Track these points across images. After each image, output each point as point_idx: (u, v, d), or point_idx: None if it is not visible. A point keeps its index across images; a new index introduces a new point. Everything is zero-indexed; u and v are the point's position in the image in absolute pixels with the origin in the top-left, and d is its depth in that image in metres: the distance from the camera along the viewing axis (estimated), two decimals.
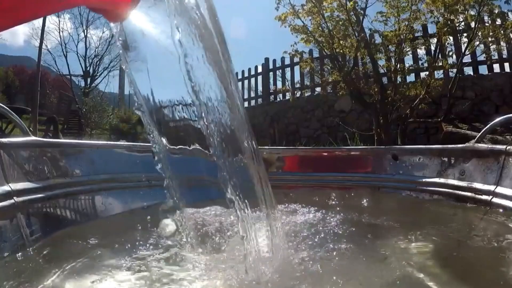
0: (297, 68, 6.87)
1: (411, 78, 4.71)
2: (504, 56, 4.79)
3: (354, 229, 1.15)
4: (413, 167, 1.69)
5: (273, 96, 7.54)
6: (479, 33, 3.96)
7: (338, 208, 1.45)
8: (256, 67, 7.97)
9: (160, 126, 1.00)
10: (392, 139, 3.90)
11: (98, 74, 19.96)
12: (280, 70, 7.68)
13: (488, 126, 1.46)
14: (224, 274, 0.81)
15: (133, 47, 0.85)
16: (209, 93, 0.77)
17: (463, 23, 4.41)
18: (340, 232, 1.10)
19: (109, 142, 2.31)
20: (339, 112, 5.86)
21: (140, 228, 1.16)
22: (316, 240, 1.03)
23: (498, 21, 4.07)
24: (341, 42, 3.93)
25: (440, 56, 4.19)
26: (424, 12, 3.83)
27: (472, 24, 4.01)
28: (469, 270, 0.88)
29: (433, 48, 4.42)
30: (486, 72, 4.91)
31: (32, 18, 0.58)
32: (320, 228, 1.15)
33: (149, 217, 1.17)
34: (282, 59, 7.37)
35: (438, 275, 0.83)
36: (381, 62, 4.17)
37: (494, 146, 1.43)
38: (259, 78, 7.91)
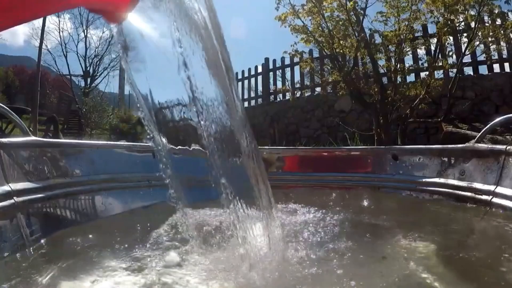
0: (297, 68, 6.87)
1: (411, 78, 4.71)
2: (504, 56, 4.79)
3: (354, 229, 1.15)
4: (413, 167, 1.69)
5: (273, 96, 7.54)
6: (479, 33, 3.96)
7: (338, 208, 1.45)
8: (256, 67, 7.97)
9: (160, 126, 1.00)
10: (392, 139, 3.90)
11: (98, 74, 19.97)
12: (280, 70, 7.67)
13: (488, 126, 1.46)
14: (223, 274, 0.81)
15: (132, 48, 0.85)
16: (206, 93, 0.77)
17: (463, 23, 4.41)
18: (340, 232, 1.11)
19: (109, 142, 2.31)
20: (339, 112, 5.86)
21: (140, 228, 1.16)
22: (316, 240, 1.04)
23: (498, 21, 4.07)
24: (341, 42, 3.93)
25: (440, 56, 4.19)
26: (424, 12, 3.83)
27: (472, 24, 4.00)
28: (469, 270, 0.88)
29: (433, 48, 4.42)
30: (486, 72, 4.90)
31: (32, 18, 0.59)
32: (320, 228, 1.15)
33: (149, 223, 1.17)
34: (282, 59, 7.37)
35: (438, 275, 0.83)
36: (381, 62, 4.17)
37: (494, 146, 1.43)
38: (259, 78, 7.91)
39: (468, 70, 4.98)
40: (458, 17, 4.07)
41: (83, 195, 1.32)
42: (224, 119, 0.82)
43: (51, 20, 17.13)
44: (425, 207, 1.54)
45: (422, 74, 4.55)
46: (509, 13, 4.02)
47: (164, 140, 1.01)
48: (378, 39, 4.21)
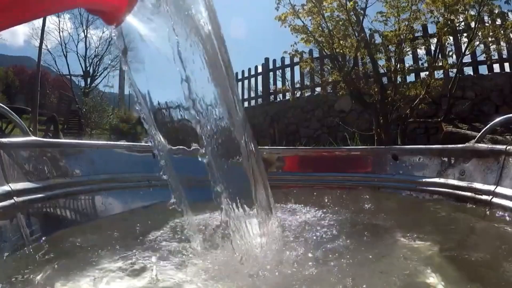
0: (297, 68, 6.87)
1: (411, 78, 4.72)
2: (504, 56, 4.79)
3: (354, 229, 1.15)
4: (413, 167, 1.69)
5: (273, 96, 7.54)
6: (479, 33, 3.96)
7: (337, 208, 1.45)
8: (256, 67, 7.97)
9: (160, 126, 1.00)
10: (392, 139, 3.90)
11: (98, 74, 19.99)
12: (280, 70, 7.67)
13: (488, 126, 1.46)
14: (223, 275, 0.81)
15: (131, 48, 0.85)
16: (206, 93, 0.77)
17: (463, 23, 4.41)
18: (340, 232, 1.10)
19: (109, 142, 2.31)
20: (339, 112, 5.86)
21: (139, 228, 1.16)
22: (315, 240, 1.03)
23: (498, 21, 4.07)
24: (341, 42, 3.93)
25: (440, 56, 4.19)
26: (424, 12, 3.83)
27: (472, 24, 4.00)
28: (469, 270, 0.88)
29: (433, 48, 4.42)
30: (486, 72, 4.91)
31: (32, 18, 0.58)
32: (320, 228, 1.15)
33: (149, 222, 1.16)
34: (282, 59, 7.37)
35: (438, 275, 0.83)
36: (381, 62, 4.17)
37: (494, 146, 1.43)
38: (259, 78, 7.91)
39: (468, 70, 4.99)
40: (458, 17, 4.07)
41: (83, 195, 1.32)
42: (224, 119, 0.82)
43: (51, 20, 17.18)
44: (425, 207, 1.54)
45: (422, 74, 4.56)
46: (509, 13, 4.02)
47: (163, 140, 1.01)
48: (378, 39, 4.22)
